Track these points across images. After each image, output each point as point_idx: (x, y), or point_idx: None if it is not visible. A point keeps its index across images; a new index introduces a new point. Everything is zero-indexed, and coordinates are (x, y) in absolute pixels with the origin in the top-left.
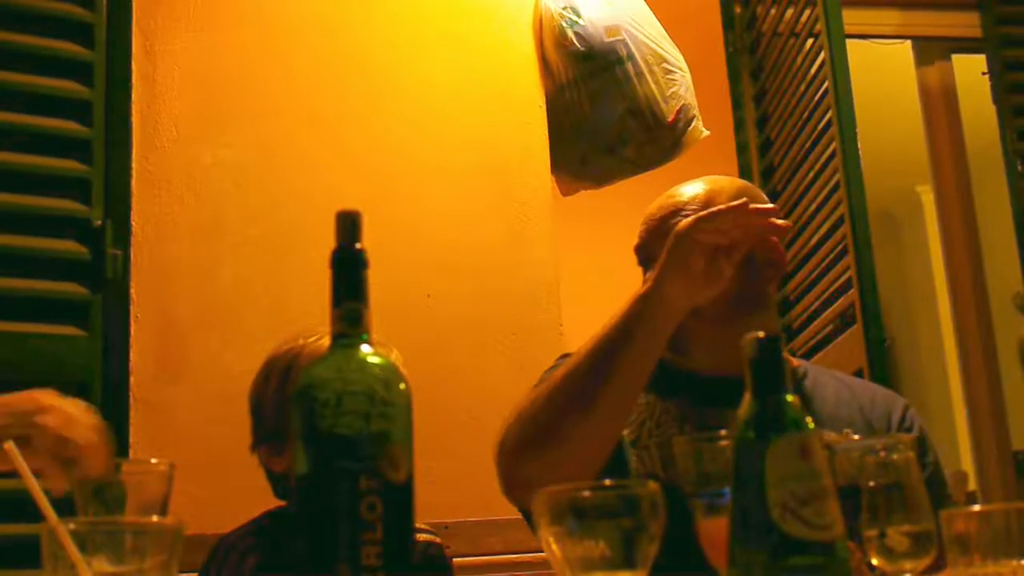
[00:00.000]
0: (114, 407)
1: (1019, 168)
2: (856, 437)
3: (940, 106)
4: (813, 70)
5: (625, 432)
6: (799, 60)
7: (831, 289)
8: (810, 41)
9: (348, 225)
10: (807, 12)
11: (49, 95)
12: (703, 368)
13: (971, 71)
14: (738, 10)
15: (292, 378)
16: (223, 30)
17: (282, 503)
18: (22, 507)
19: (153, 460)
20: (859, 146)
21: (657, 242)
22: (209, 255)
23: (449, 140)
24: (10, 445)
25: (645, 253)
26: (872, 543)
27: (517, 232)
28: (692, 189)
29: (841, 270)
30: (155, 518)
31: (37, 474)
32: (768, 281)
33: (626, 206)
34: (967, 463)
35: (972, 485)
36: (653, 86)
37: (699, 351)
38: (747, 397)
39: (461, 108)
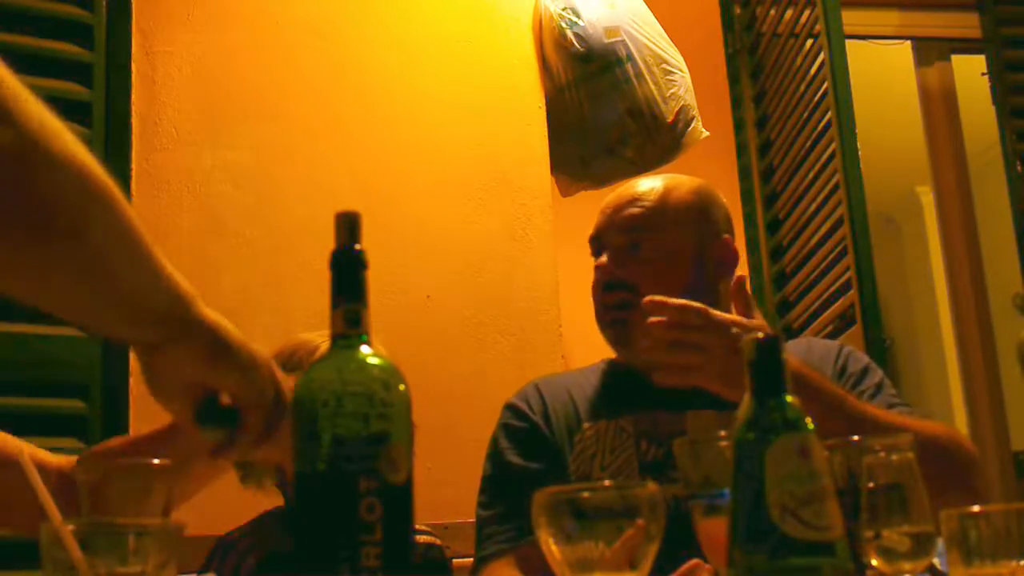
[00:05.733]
0: (114, 407)
1: (1019, 168)
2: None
3: (940, 107)
4: (813, 71)
5: (571, 468)
6: (799, 61)
7: (831, 289)
8: (810, 42)
9: (347, 226)
10: (807, 13)
11: (48, 96)
12: (652, 365)
13: (971, 72)
14: (738, 11)
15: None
16: (223, 31)
17: (282, 503)
18: None
19: (156, 461)
20: (859, 147)
21: (610, 232)
22: (209, 256)
23: (449, 141)
24: (24, 455)
25: (599, 243)
26: (871, 544)
27: (517, 233)
28: (649, 183)
29: (841, 270)
30: (156, 519)
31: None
32: (717, 280)
33: None
34: None
35: None
36: (653, 87)
37: (644, 342)
38: (747, 397)
39: (461, 109)
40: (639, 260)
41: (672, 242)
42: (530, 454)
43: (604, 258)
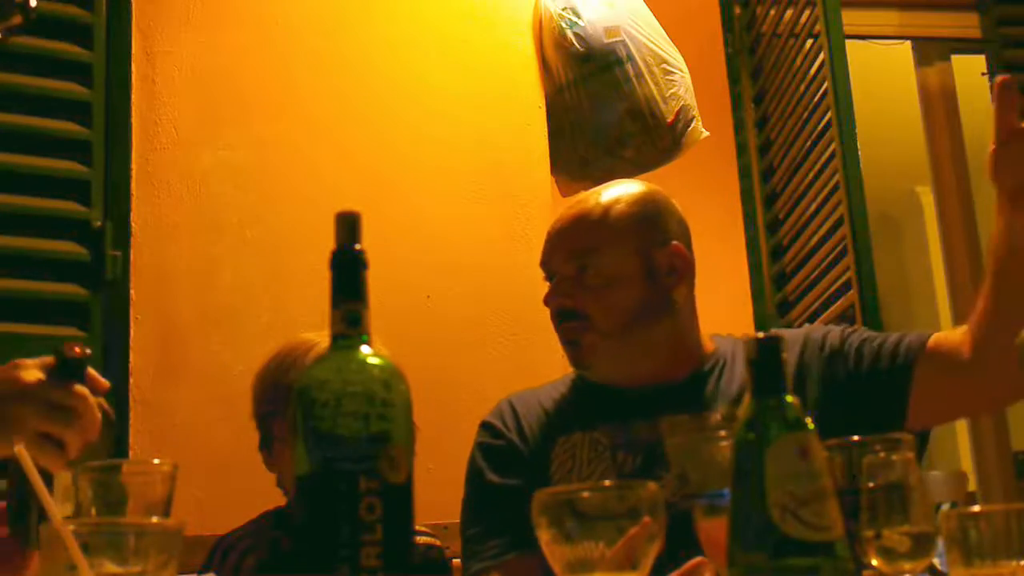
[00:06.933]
0: (114, 408)
1: None
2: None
3: (940, 107)
4: (813, 71)
5: (551, 483)
6: (799, 61)
7: (831, 289)
8: (810, 42)
9: (348, 226)
10: (807, 13)
11: (49, 96)
12: (617, 381)
13: (971, 71)
14: (738, 11)
15: (275, 393)
16: (223, 31)
17: (282, 503)
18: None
19: (156, 460)
20: (859, 147)
21: (554, 260)
22: (209, 256)
23: (449, 141)
24: (20, 448)
25: (548, 269)
26: (871, 544)
27: (517, 233)
28: (591, 200)
29: (841, 270)
30: (156, 519)
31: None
32: (671, 288)
33: None
34: (967, 463)
35: (972, 485)
36: (653, 87)
37: (602, 364)
38: (747, 397)
39: (461, 109)
40: (585, 286)
41: (616, 262)
42: (508, 471)
43: (551, 287)
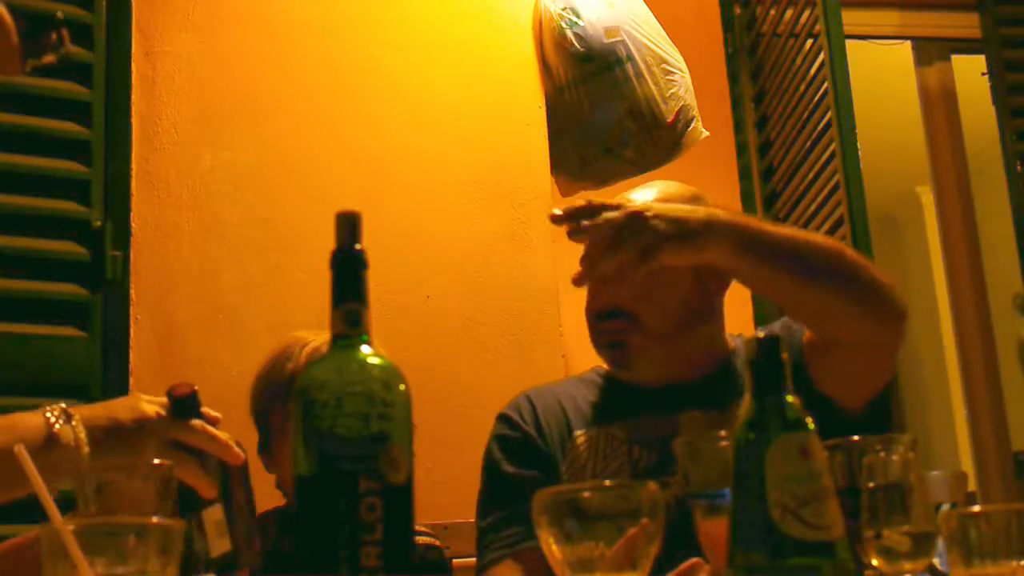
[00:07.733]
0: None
1: (1019, 168)
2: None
3: (940, 107)
4: (813, 71)
5: (564, 477)
6: (799, 61)
7: None
8: (810, 42)
9: (348, 226)
10: (807, 13)
11: (49, 96)
12: (649, 380)
13: (971, 71)
14: (738, 11)
15: (269, 392)
16: (223, 32)
17: (282, 503)
18: (22, 507)
19: (156, 460)
20: (859, 147)
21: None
22: (209, 256)
23: (449, 141)
24: (20, 448)
25: None
26: (871, 544)
27: (517, 233)
28: (639, 198)
29: None
30: (156, 519)
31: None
32: (714, 292)
33: None
34: (967, 463)
35: (972, 485)
36: (653, 87)
37: (645, 366)
38: (747, 397)
39: (461, 109)
40: (632, 286)
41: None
42: (524, 463)
43: (594, 286)
